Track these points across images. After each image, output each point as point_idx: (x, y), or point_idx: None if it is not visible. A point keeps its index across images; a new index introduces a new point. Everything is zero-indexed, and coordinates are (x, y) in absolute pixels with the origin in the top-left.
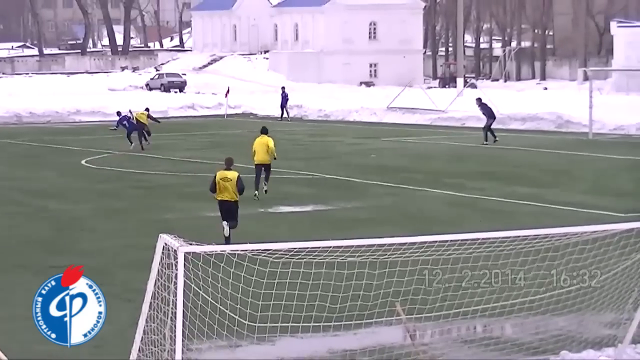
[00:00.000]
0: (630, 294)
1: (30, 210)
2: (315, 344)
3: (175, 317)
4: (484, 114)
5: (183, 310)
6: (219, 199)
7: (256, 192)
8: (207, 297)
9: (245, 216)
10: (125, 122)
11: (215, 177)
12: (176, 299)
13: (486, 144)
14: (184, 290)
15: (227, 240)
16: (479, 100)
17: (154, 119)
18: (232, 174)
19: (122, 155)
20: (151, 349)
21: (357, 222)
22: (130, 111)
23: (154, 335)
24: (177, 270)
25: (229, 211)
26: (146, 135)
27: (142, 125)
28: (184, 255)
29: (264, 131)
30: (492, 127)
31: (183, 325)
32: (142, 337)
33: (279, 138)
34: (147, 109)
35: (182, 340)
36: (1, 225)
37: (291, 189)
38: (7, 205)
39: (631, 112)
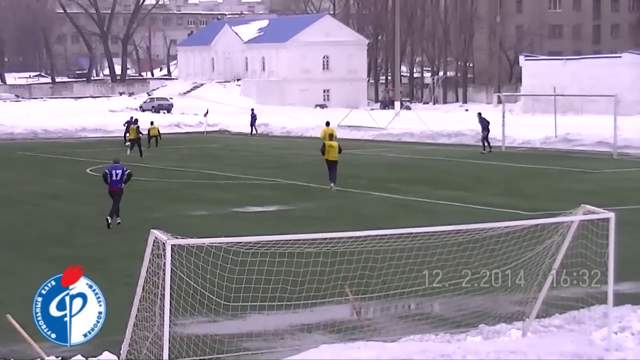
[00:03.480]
0: (536, 277)
1: (44, 210)
2: (279, 320)
3: (164, 298)
4: (482, 126)
5: (170, 292)
6: (327, 158)
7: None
8: (189, 281)
9: (220, 215)
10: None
11: (324, 144)
12: (164, 283)
13: (484, 153)
14: (170, 275)
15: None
16: (479, 114)
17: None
18: (335, 143)
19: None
20: (144, 323)
21: (313, 220)
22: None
23: (147, 312)
24: (165, 259)
25: (334, 165)
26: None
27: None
28: (171, 247)
29: (328, 124)
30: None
31: (170, 304)
32: (136, 314)
33: (249, 151)
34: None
35: (170, 317)
36: (20, 222)
37: (259, 193)
38: (25, 206)
39: (536, 129)
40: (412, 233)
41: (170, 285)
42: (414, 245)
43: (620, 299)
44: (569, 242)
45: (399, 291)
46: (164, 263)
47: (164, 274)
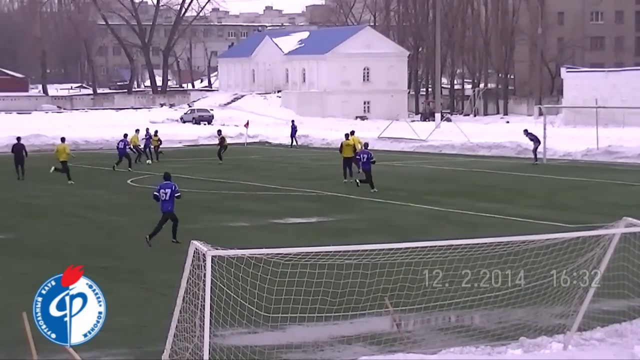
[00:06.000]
0: (577, 290)
1: (85, 221)
2: (318, 331)
3: (204, 309)
4: (530, 140)
5: (210, 303)
6: (344, 156)
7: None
8: (230, 292)
9: (259, 227)
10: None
11: (342, 143)
12: (204, 294)
13: (536, 164)
14: (211, 286)
15: (357, 180)
16: (525, 130)
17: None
18: (351, 142)
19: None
20: (184, 334)
21: (352, 231)
22: (125, 135)
23: (186, 323)
24: (205, 270)
25: (350, 162)
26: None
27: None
28: (211, 258)
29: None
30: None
31: (210, 315)
32: (176, 325)
33: (289, 163)
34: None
35: (210, 328)
36: (61, 233)
37: (298, 204)
38: (66, 217)
39: (578, 141)
40: (452, 245)
41: (211, 296)
42: (453, 258)
43: None
44: (610, 255)
45: (439, 303)
46: (204, 274)
47: (204, 285)
